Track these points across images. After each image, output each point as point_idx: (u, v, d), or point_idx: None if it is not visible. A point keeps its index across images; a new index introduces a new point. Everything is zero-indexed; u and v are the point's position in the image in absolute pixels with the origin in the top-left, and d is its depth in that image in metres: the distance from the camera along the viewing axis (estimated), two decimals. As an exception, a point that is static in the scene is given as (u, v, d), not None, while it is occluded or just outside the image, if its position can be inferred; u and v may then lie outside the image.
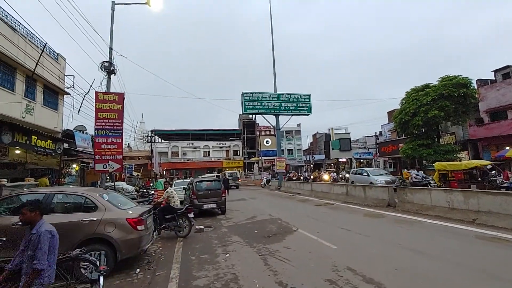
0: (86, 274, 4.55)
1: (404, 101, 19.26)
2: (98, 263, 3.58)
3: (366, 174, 17.61)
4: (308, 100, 25.85)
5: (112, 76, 9.66)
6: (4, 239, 3.53)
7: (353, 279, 4.04)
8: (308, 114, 25.91)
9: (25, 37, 13.50)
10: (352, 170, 22.32)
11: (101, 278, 2.50)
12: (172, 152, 45.24)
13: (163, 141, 46.35)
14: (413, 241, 5.84)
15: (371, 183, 15.67)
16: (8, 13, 12.64)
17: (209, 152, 46.59)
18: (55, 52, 16.26)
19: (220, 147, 47.01)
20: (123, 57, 10.38)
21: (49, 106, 15.68)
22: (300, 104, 25.53)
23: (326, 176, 24.85)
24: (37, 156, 10.64)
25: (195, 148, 46.08)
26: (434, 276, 3.97)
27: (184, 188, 14.12)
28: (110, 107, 8.78)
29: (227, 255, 5.66)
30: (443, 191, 8.33)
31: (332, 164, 52.47)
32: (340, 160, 51.88)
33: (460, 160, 17.41)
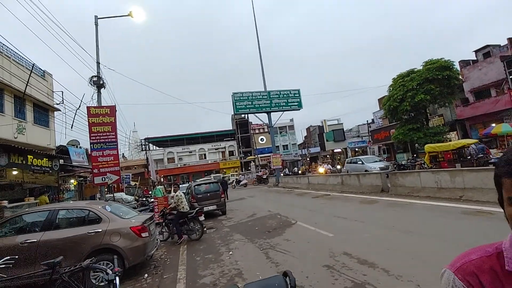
0: (97, 283, 4.79)
1: (391, 88, 19.69)
2: (107, 271, 3.80)
3: (360, 162, 18.02)
4: (298, 95, 26.17)
5: (102, 89, 9.76)
6: (17, 257, 3.71)
7: (349, 262, 4.34)
8: (299, 109, 26.25)
9: (9, 57, 13.47)
10: (347, 159, 22.74)
11: (117, 279, 2.74)
12: (168, 158, 45.19)
13: (157, 148, 46.26)
14: (404, 222, 6.17)
15: (366, 170, 16.07)
16: (-10, 35, 12.59)
17: (205, 155, 46.65)
18: (41, 69, 16.22)
19: (216, 149, 47.10)
20: (111, 70, 10.47)
21: (41, 123, 15.65)
22: (291, 100, 25.83)
23: (321, 169, 25.17)
24: (34, 175, 10.71)
25: (190, 152, 46.09)
26: (422, 252, 4.29)
27: (183, 193, 14.29)
28: (103, 120, 8.92)
29: (231, 252, 5.92)
30: (431, 173, 8.71)
31: (328, 156, 53.06)
32: (335, 151, 52.49)
33: (449, 141, 17.94)
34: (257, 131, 49.04)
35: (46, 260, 4.34)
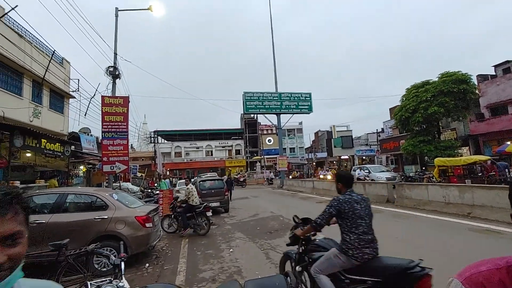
0: (99, 268, 4.91)
1: (404, 98, 19.42)
2: (111, 256, 3.89)
3: (367, 171, 17.83)
4: (309, 98, 26.08)
5: (117, 80, 9.97)
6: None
7: (349, 269, 4.32)
8: (309, 113, 26.16)
9: (31, 43, 13.87)
10: (354, 167, 22.53)
11: (122, 264, 2.82)
12: (175, 153, 45.66)
13: (166, 141, 46.77)
14: (408, 234, 6.09)
15: (372, 180, 15.90)
16: (15, 20, 13.01)
17: (211, 151, 46.94)
18: (60, 56, 16.65)
19: (223, 147, 47.33)
20: (127, 61, 10.68)
21: (55, 109, 16.07)
22: (301, 103, 25.77)
23: (329, 177, 24.86)
24: (46, 159, 11.02)
25: (197, 148, 46.46)
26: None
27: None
28: (115, 110, 9.11)
29: (231, 250, 5.97)
30: (439, 186, 8.55)
31: (334, 162, 52.67)
32: (342, 157, 52.06)
33: (461, 156, 17.58)
34: (265, 132, 49.08)
35: (52, 242, 4.49)
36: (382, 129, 47.40)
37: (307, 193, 17.21)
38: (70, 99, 17.46)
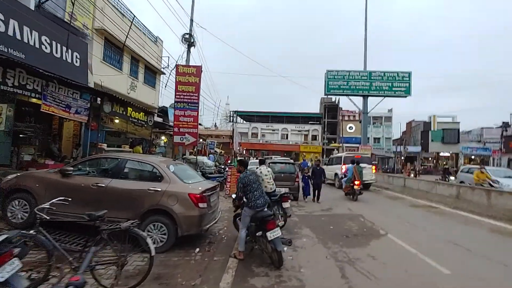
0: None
1: None
2: (147, 239, 3.26)
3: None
4: (407, 79, 21.53)
5: (192, 48, 9.76)
6: (70, 199, 3.55)
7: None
8: (406, 96, 21.68)
9: (131, 21, 15.21)
10: (463, 167, 17.68)
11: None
12: (251, 133, 46.77)
13: (244, 121, 48.27)
14: None
15: (492, 187, 11.82)
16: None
17: (287, 135, 46.13)
18: (154, 35, 18.07)
19: (299, 131, 45.83)
20: (203, 29, 10.34)
21: (148, 84, 17.70)
22: (397, 84, 21.51)
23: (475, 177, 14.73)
24: (135, 127, 11.99)
25: (273, 130, 46.39)
26: None
27: (257, 168, 13.84)
28: (188, 80, 8.89)
29: (295, 252, 4.77)
30: None
31: (430, 158, 44.23)
32: (441, 154, 43.20)
33: None
34: (346, 118, 44.73)
35: (111, 207, 4.21)
36: (508, 123, 36.84)
37: (395, 191, 14.29)
38: (161, 76, 19.02)
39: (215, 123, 53.12)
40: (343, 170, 13.06)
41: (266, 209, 4.50)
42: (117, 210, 4.57)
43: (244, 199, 4.52)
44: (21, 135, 8.43)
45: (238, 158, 5.38)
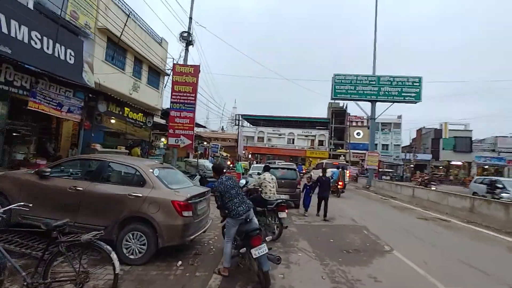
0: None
1: None
2: (112, 254, 2.85)
3: (501, 186, 12.70)
4: (418, 84, 20.78)
5: (191, 47, 9.45)
6: (31, 205, 3.17)
7: None
8: (416, 102, 20.90)
9: (135, 22, 15.12)
10: (476, 178, 16.79)
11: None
12: (258, 137, 46.44)
13: (250, 125, 47.95)
14: None
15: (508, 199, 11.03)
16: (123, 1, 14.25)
17: (293, 140, 45.66)
18: (159, 36, 17.96)
19: (306, 136, 45.30)
20: (202, 27, 10.04)
21: (152, 85, 17.52)
22: (406, 89, 20.79)
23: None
24: (134, 128, 11.75)
25: (280, 135, 46.00)
26: None
27: (259, 173, 13.40)
28: (185, 80, 8.58)
29: (287, 269, 4.29)
30: None
31: (441, 167, 42.87)
32: (452, 163, 41.83)
33: None
34: (353, 124, 43.95)
35: (89, 213, 4.10)
36: (524, 132, 35.42)
37: (403, 201, 13.60)
38: (166, 77, 18.84)
39: (222, 126, 53.03)
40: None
41: (253, 219, 4.05)
42: (95, 216, 4.25)
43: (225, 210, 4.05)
44: (14, 134, 8.24)
45: (212, 165, 4.94)
